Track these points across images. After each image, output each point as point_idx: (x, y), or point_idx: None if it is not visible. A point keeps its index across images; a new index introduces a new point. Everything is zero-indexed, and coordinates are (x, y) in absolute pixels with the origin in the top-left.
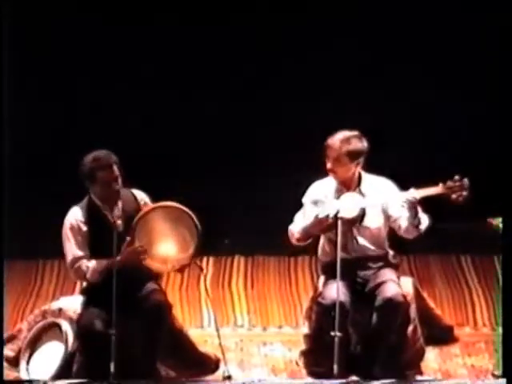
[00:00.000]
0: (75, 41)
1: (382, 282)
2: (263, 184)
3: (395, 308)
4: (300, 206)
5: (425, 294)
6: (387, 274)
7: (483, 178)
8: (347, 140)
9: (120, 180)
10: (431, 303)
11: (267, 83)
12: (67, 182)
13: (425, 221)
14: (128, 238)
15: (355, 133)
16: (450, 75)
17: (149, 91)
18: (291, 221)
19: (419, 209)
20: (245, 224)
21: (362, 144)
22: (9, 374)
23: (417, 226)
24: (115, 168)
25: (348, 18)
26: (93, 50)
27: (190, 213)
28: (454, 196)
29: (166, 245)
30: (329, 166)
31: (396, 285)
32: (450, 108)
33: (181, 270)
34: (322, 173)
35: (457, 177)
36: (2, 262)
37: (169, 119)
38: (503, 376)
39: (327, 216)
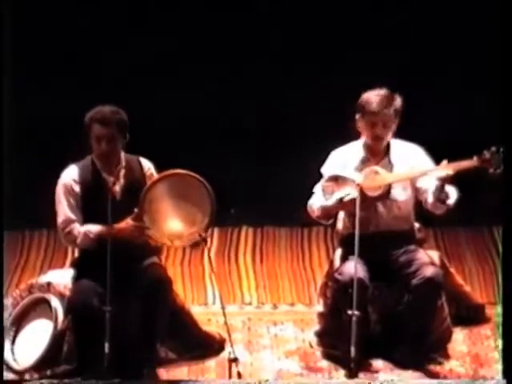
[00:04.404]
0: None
1: (420, 263)
2: (274, 150)
3: (435, 288)
4: (313, 173)
5: (452, 270)
6: (421, 253)
7: None
8: (389, 99)
9: (120, 142)
10: (460, 279)
11: (277, 55)
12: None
13: (453, 194)
14: (136, 210)
15: (385, 90)
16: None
17: (164, 64)
18: (303, 188)
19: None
20: (253, 192)
21: (399, 99)
22: None
23: (444, 201)
24: (116, 127)
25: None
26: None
27: (202, 179)
28: (491, 170)
29: (178, 219)
30: (379, 132)
31: (435, 267)
32: None
33: (195, 245)
34: (336, 140)
35: (494, 148)
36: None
37: (180, 89)
38: (503, 376)
39: (349, 196)
